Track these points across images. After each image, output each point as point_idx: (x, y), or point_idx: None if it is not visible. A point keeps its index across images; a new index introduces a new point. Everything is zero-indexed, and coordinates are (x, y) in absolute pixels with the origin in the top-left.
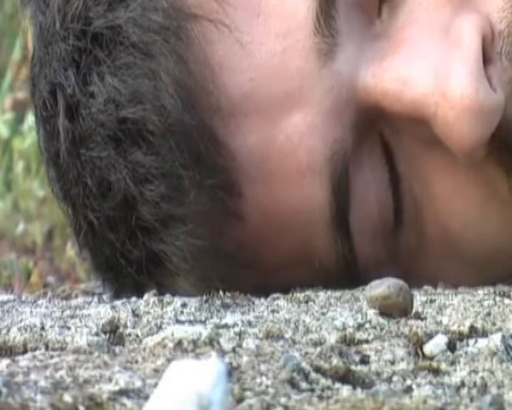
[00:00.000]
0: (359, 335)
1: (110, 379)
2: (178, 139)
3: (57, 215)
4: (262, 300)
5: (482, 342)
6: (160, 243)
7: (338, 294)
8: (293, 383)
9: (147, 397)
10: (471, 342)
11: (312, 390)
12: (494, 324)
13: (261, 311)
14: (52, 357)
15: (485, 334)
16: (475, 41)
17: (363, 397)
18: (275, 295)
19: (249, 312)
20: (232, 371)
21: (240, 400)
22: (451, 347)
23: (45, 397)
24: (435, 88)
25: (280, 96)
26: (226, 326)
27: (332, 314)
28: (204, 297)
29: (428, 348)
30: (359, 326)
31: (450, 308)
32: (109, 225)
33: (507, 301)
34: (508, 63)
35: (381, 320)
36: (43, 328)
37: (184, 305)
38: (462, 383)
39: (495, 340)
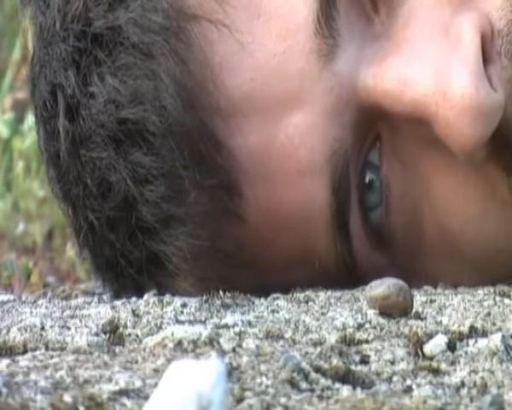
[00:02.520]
0: (359, 335)
1: (110, 379)
2: (179, 140)
3: (57, 215)
4: (262, 300)
5: (482, 342)
6: (160, 244)
7: (338, 294)
8: (293, 383)
9: (147, 397)
10: (471, 342)
11: (312, 390)
12: (494, 324)
13: (261, 311)
14: (52, 357)
15: (485, 334)
16: (475, 40)
17: (363, 397)
18: (275, 295)
19: (249, 312)
20: (232, 371)
21: (240, 400)
22: (451, 347)
23: (45, 397)
24: (436, 88)
25: (280, 97)
26: (226, 326)
27: (332, 314)
28: (204, 297)
29: (428, 348)
30: (359, 326)
31: (450, 308)
32: (109, 225)
33: (507, 301)
34: (507, 62)
35: (381, 320)
36: (43, 328)
37: (184, 305)
38: (462, 383)
39: (495, 340)
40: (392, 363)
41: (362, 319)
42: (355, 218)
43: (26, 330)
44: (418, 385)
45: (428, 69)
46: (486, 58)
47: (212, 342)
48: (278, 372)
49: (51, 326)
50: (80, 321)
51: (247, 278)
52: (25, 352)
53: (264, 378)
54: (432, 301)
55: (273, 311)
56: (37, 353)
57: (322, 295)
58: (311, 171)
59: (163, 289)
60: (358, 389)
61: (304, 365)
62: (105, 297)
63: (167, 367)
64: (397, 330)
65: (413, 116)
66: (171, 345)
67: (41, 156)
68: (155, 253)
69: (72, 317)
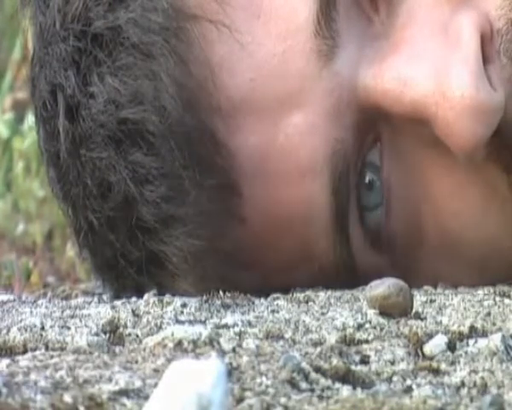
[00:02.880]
0: (359, 335)
1: (110, 379)
2: (179, 140)
3: (57, 215)
4: (262, 300)
5: (482, 342)
6: (160, 244)
7: (338, 294)
8: (293, 383)
9: (147, 397)
10: (471, 342)
11: (312, 390)
12: (494, 324)
13: (261, 311)
14: (52, 357)
15: (485, 334)
16: (474, 40)
17: (363, 397)
18: (275, 295)
19: (249, 312)
20: (232, 371)
21: (240, 400)
22: (451, 347)
23: (45, 397)
24: (435, 88)
25: (280, 97)
26: (226, 326)
27: (332, 314)
28: (204, 297)
29: (428, 348)
30: (359, 326)
31: (450, 308)
32: (109, 225)
33: (507, 301)
34: (507, 61)
35: (381, 320)
36: (43, 328)
37: (184, 305)
38: (462, 383)
39: (495, 340)
40: (392, 363)
41: (362, 319)
42: (355, 218)
43: (26, 330)
44: (418, 385)
45: (428, 69)
46: (486, 57)
47: (212, 342)
48: (278, 372)
49: (51, 326)
50: (80, 321)
51: (247, 278)
52: (25, 352)
53: (264, 378)
54: (432, 301)
55: (273, 311)
56: (37, 353)
57: (322, 295)
58: (311, 171)
59: (163, 289)
60: (358, 389)
61: (304, 365)
62: (105, 297)
63: (167, 367)
64: (397, 330)
65: (413, 116)
66: (171, 345)
67: (41, 156)
68: (155, 253)
69: (72, 317)
